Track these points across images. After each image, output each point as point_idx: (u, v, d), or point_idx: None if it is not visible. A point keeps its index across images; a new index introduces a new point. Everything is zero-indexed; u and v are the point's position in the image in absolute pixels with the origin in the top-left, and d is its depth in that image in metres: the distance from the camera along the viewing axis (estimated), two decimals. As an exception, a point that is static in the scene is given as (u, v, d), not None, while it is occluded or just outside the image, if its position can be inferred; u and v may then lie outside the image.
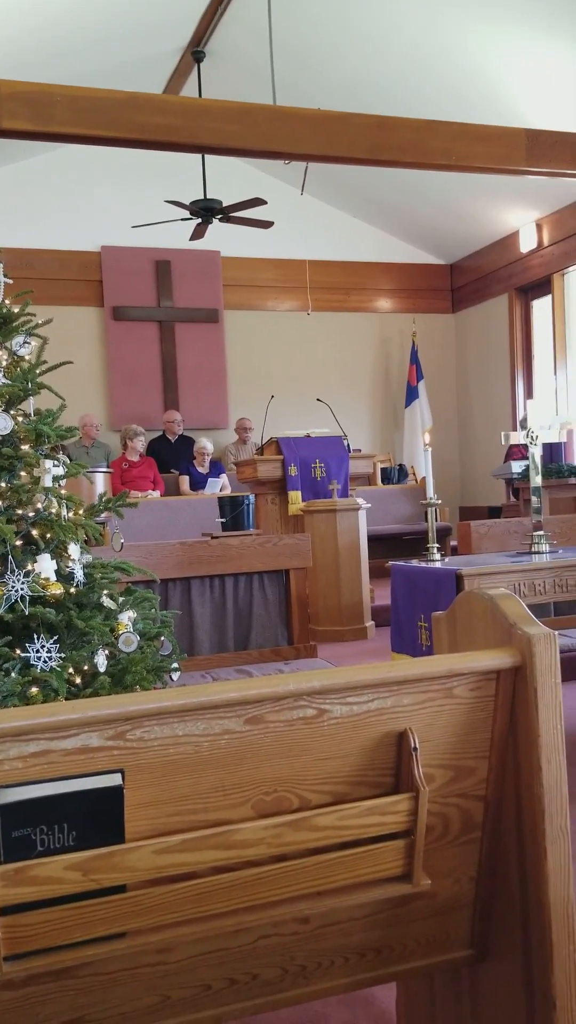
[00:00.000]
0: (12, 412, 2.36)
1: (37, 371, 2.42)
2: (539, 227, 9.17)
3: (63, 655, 2.20)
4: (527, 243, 9.31)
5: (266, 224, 8.00)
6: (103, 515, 2.67)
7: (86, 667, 2.25)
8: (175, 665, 2.55)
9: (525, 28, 6.32)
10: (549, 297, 9.31)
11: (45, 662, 2.15)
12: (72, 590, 2.31)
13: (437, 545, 3.79)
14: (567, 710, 3.70)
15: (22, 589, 2.17)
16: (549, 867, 1.26)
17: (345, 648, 5.55)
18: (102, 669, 2.26)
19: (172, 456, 9.21)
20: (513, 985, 1.35)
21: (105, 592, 2.42)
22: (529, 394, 9.74)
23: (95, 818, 1.12)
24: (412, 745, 1.24)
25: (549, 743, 1.26)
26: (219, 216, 7.90)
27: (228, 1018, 1.34)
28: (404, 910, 1.36)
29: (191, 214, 7.87)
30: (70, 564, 2.32)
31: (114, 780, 1.13)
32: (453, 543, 7.91)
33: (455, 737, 1.30)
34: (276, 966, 1.33)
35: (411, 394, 10.30)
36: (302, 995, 1.37)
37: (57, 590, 2.23)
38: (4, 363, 2.39)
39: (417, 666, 1.26)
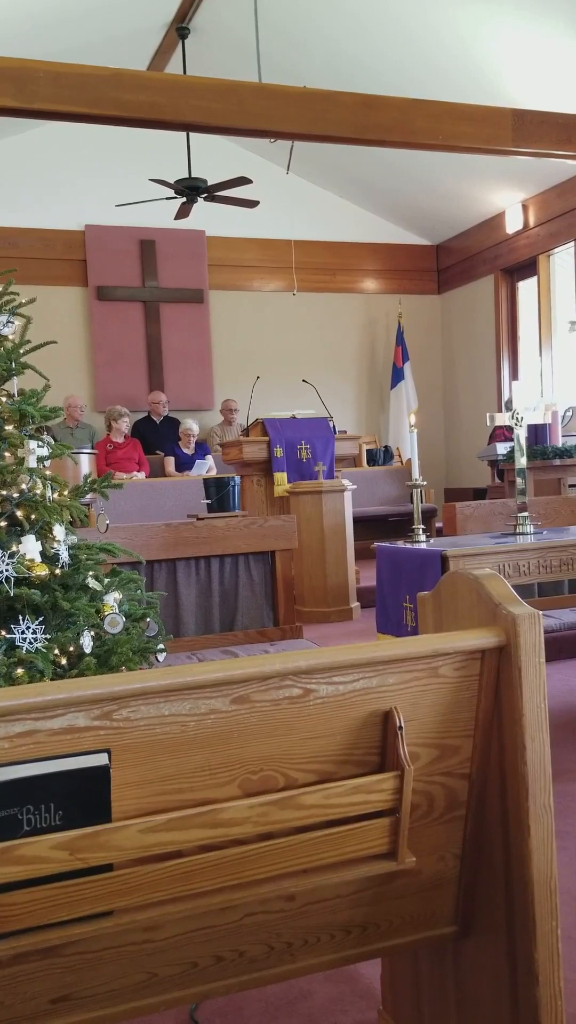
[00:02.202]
0: (-4, 392, 2.35)
1: (21, 351, 2.40)
2: (525, 208, 9.15)
3: (48, 636, 2.20)
4: (513, 224, 9.29)
5: (251, 203, 7.95)
6: (88, 496, 2.66)
7: (71, 648, 2.25)
8: (161, 646, 2.55)
9: (512, 6, 6.27)
10: (535, 278, 9.30)
11: (30, 643, 2.14)
12: (57, 571, 2.30)
13: (422, 526, 3.80)
14: (551, 690, 3.72)
15: (7, 570, 2.16)
16: (532, 844, 1.27)
17: (331, 629, 5.56)
18: (88, 650, 2.26)
19: (157, 437, 9.17)
20: (497, 960, 1.37)
21: (90, 573, 2.41)
22: (514, 375, 9.75)
23: (82, 798, 1.12)
24: (397, 724, 1.25)
25: (533, 722, 1.27)
26: (204, 195, 7.84)
27: (214, 995, 1.35)
28: (389, 887, 1.37)
29: (176, 193, 7.81)
30: (55, 545, 2.31)
31: (100, 760, 1.13)
32: (438, 524, 7.93)
33: (440, 716, 1.30)
34: (262, 943, 1.34)
35: (397, 375, 10.30)
36: (288, 972, 1.38)
37: (42, 571, 2.23)
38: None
39: (402, 646, 1.26)
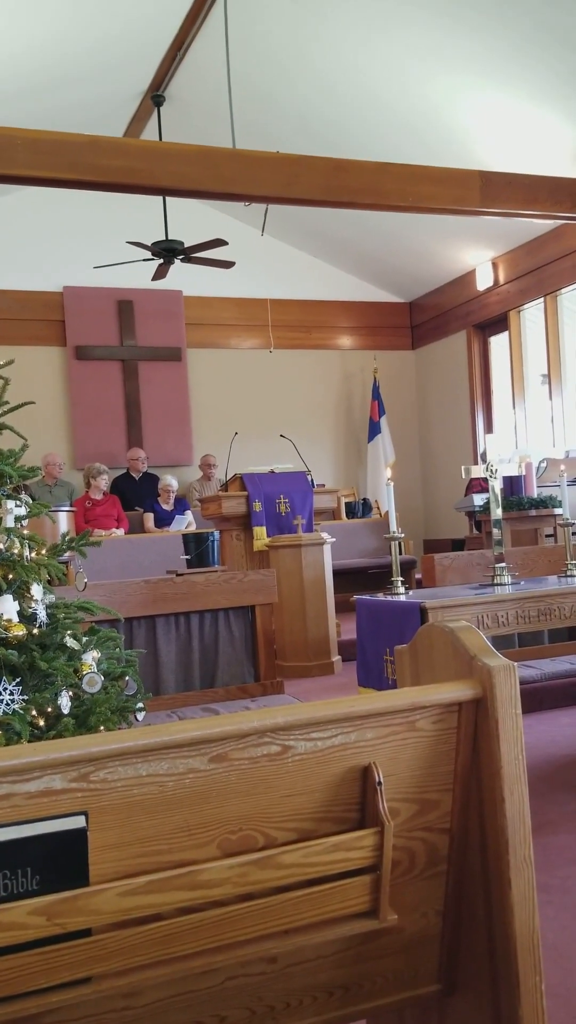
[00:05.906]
0: (-27, 453, 2.36)
1: (-1, 412, 2.42)
2: (495, 265, 9.36)
3: (26, 697, 2.18)
4: (484, 281, 9.49)
5: (227, 264, 8.09)
6: (66, 554, 2.66)
7: (49, 709, 2.23)
8: (140, 705, 2.53)
9: (479, 72, 6.49)
10: (506, 333, 9.48)
11: (7, 704, 2.13)
12: (35, 631, 2.29)
13: (401, 578, 3.81)
14: (533, 741, 3.71)
15: (-16, 631, 2.15)
16: (514, 898, 1.27)
17: (312, 683, 5.53)
18: (66, 711, 2.24)
19: (136, 494, 9.19)
20: (482, 1018, 1.35)
21: (68, 632, 2.40)
22: (488, 428, 9.88)
23: (59, 861, 1.11)
24: (377, 779, 1.25)
25: (511, 774, 1.27)
26: (181, 257, 7.98)
27: (196, 1063, 1.32)
28: (372, 946, 1.36)
29: (153, 255, 7.94)
30: (33, 605, 2.31)
31: (78, 823, 1.12)
32: (417, 576, 7.95)
33: (419, 770, 1.30)
34: (244, 1007, 1.31)
35: (373, 429, 10.41)
36: (271, 1037, 1.35)
37: (20, 631, 2.21)
38: (-35, 404, 2.39)
39: (380, 700, 1.27)
